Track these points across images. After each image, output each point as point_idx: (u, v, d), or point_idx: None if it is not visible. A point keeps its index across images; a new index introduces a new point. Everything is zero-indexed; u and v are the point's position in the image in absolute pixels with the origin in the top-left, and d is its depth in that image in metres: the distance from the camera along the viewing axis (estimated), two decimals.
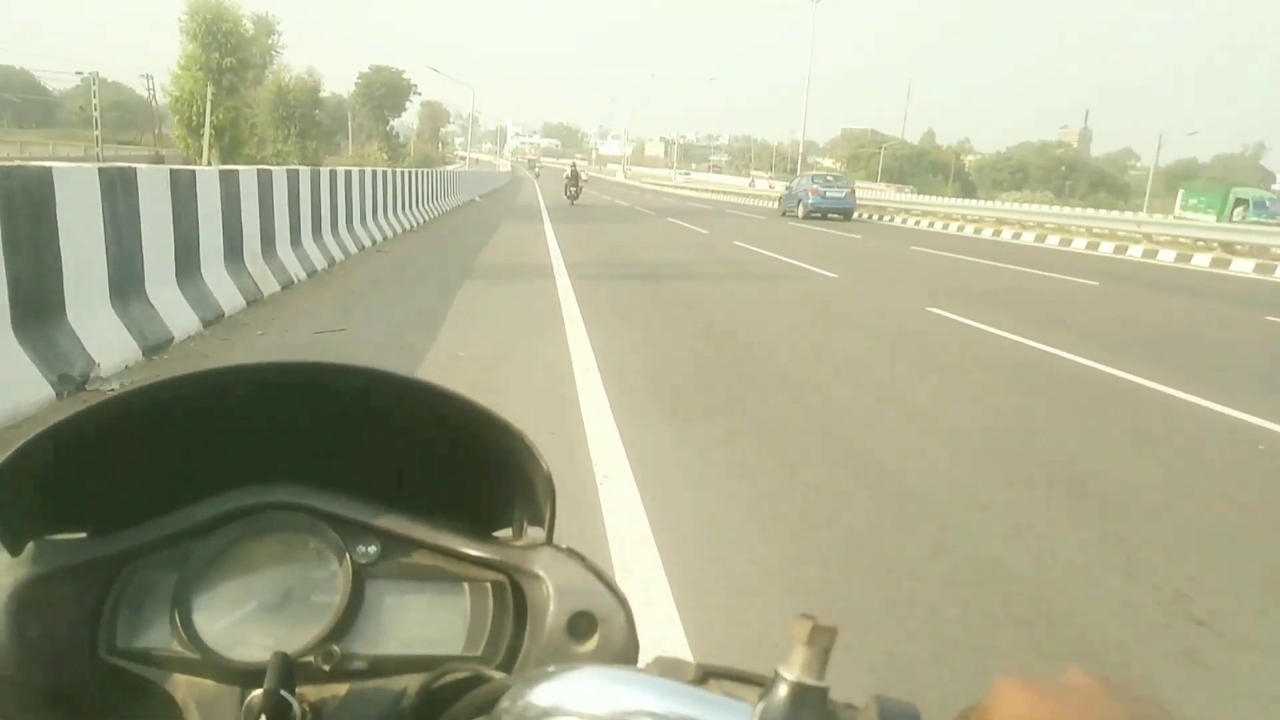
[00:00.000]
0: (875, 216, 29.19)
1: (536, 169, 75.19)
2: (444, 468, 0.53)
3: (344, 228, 9.79)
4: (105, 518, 0.50)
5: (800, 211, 25.46)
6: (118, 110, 65.34)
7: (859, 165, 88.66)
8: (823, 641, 0.30)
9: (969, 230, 23.79)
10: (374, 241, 10.95)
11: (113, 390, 1.12)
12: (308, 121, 48.04)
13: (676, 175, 74.59)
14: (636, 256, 12.23)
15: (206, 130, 26.10)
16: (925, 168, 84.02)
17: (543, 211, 22.30)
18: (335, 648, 0.47)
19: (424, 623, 0.50)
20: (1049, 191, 78.31)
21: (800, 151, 53.77)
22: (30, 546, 0.48)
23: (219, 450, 0.52)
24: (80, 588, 0.49)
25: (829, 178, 27.03)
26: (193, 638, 0.47)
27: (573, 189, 27.02)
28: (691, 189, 56.70)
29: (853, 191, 26.54)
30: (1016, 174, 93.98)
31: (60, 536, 0.49)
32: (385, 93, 63.89)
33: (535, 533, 0.51)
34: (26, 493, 0.46)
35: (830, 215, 25.43)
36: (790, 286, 9.32)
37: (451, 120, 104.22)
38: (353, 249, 9.76)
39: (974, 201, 34.04)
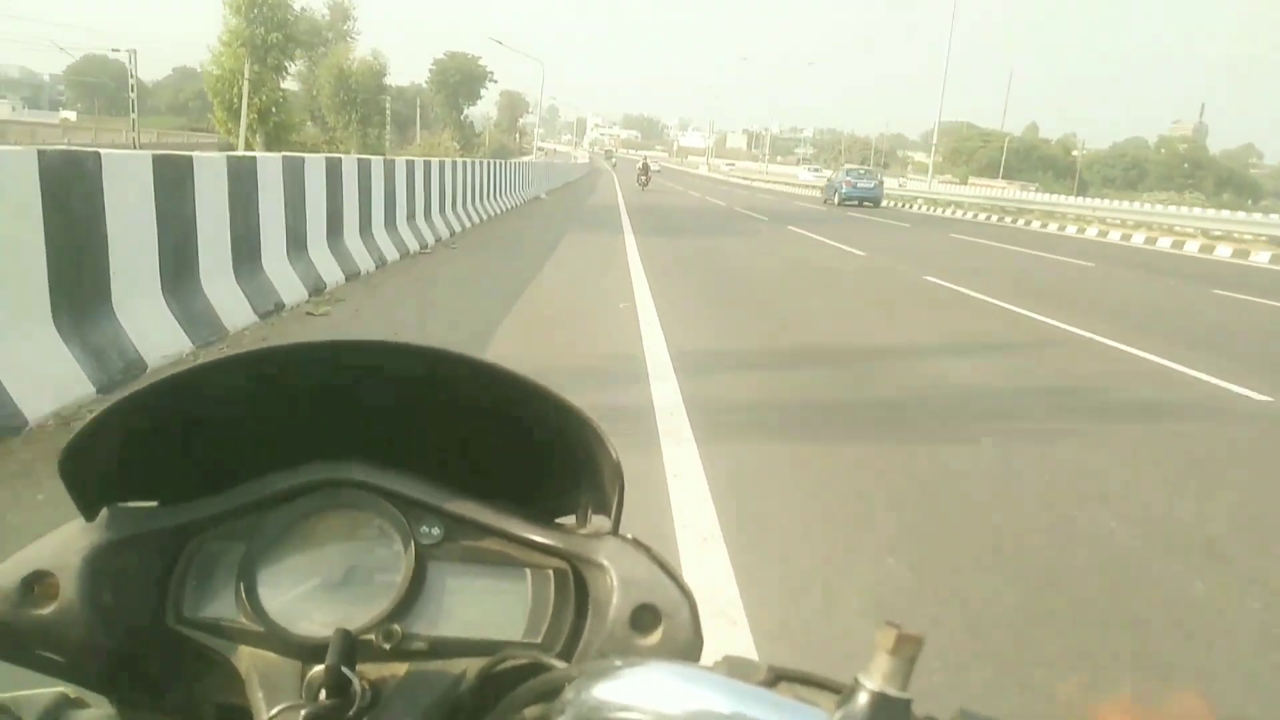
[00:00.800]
0: (993, 218, 27.27)
1: (613, 160, 74.87)
2: (510, 452, 0.53)
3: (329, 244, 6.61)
4: (176, 488, 0.52)
5: (836, 200, 29.94)
6: (201, 98, 64.04)
7: (959, 160, 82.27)
8: (908, 651, 0.30)
9: (1113, 236, 21.30)
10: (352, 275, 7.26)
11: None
12: (371, 107, 44.91)
13: (768, 168, 69.37)
14: (793, 313, 7.09)
15: (244, 113, 23.29)
16: (1034, 163, 76.73)
17: (623, 215, 17.73)
18: (396, 627, 0.48)
19: (485, 607, 0.50)
20: (1171, 190, 70.50)
21: (871, 146, 49.43)
22: (104, 513, 0.49)
23: (288, 425, 0.52)
24: (150, 556, 0.50)
25: (861, 170, 32.48)
26: (257, 610, 0.48)
27: (643, 177, 33.52)
28: (779, 183, 52.87)
29: (881, 183, 31.16)
30: (1130, 170, 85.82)
31: (132, 504, 0.51)
32: (460, 80, 60.61)
33: (599, 521, 0.51)
34: (103, 460, 0.48)
35: (864, 203, 29.62)
36: None
37: (530, 110, 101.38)
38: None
39: (1124, 204, 28.97)
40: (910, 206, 33.31)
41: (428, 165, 10.08)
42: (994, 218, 27.13)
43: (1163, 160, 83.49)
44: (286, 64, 25.71)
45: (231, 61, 24.04)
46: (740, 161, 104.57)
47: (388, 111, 45.98)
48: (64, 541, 0.48)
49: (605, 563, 0.48)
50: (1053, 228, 23.52)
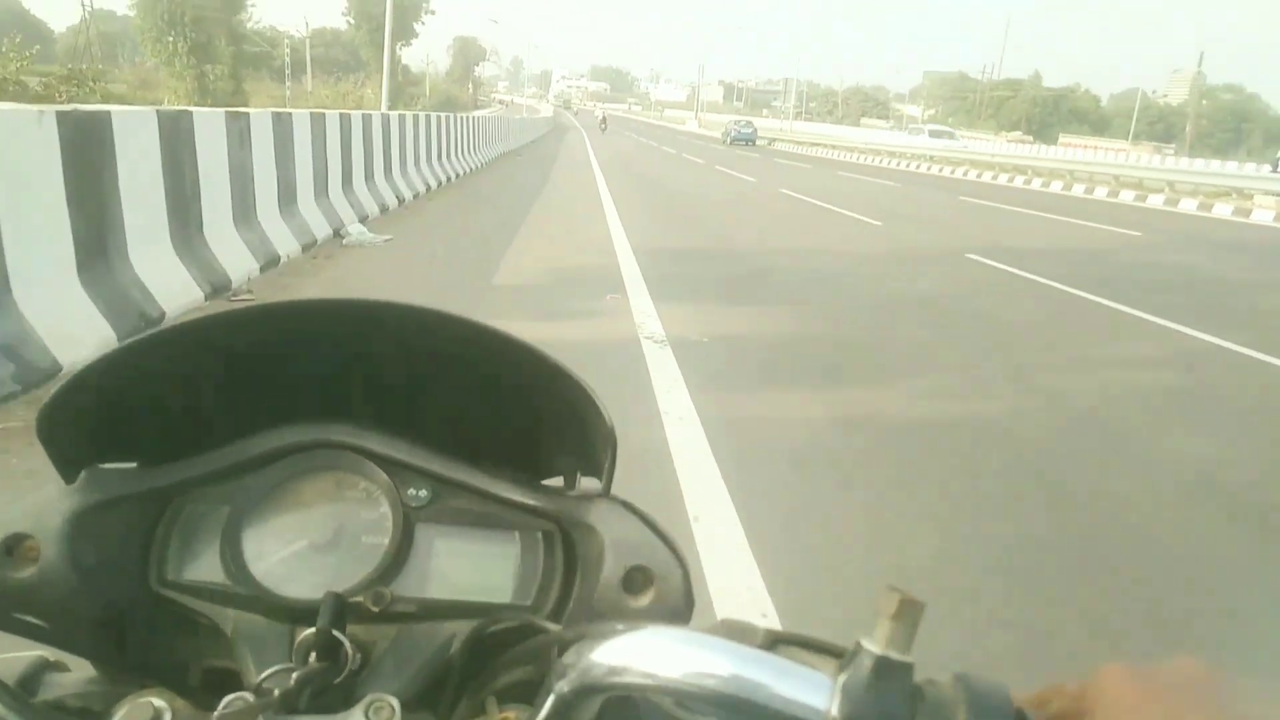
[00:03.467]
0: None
1: (574, 110, 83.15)
2: (498, 413, 0.54)
3: None
4: (158, 449, 0.53)
5: (728, 141, 45.65)
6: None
7: (959, 111, 77.22)
8: (911, 615, 0.31)
9: None
10: None
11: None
12: (211, 33, 34.36)
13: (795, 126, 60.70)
14: None
15: None
16: (1065, 116, 71.65)
17: (614, 230, 9.71)
18: (385, 590, 0.49)
19: (473, 569, 0.52)
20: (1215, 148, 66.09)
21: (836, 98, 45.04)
22: (84, 475, 0.51)
23: (272, 385, 0.54)
24: (133, 518, 0.51)
25: (741, 121, 50.87)
26: (242, 572, 0.50)
27: (603, 125, 51.57)
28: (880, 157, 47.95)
29: (753, 127, 48.95)
30: (1156, 124, 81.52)
31: (113, 465, 0.52)
32: (383, 10, 50.32)
33: (588, 483, 0.53)
34: (82, 421, 0.50)
35: (748, 143, 45.02)
36: None
37: (489, 57, 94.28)
38: None
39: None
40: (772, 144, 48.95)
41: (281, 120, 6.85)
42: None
43: (1207, 114, 78.61)
44: None
45: None
46: (733, 117, 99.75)
47: (304, 55, 39.50)
48: (43, 504, 0.49)
49: (595, 525, 0.51)
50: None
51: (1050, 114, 71.49)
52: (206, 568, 0.51)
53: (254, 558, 0.50)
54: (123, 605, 0.50)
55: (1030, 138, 53.01)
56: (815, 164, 31.86)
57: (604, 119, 55.02)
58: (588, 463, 0.53)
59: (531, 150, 27.97)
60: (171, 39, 33.50)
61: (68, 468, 0.50)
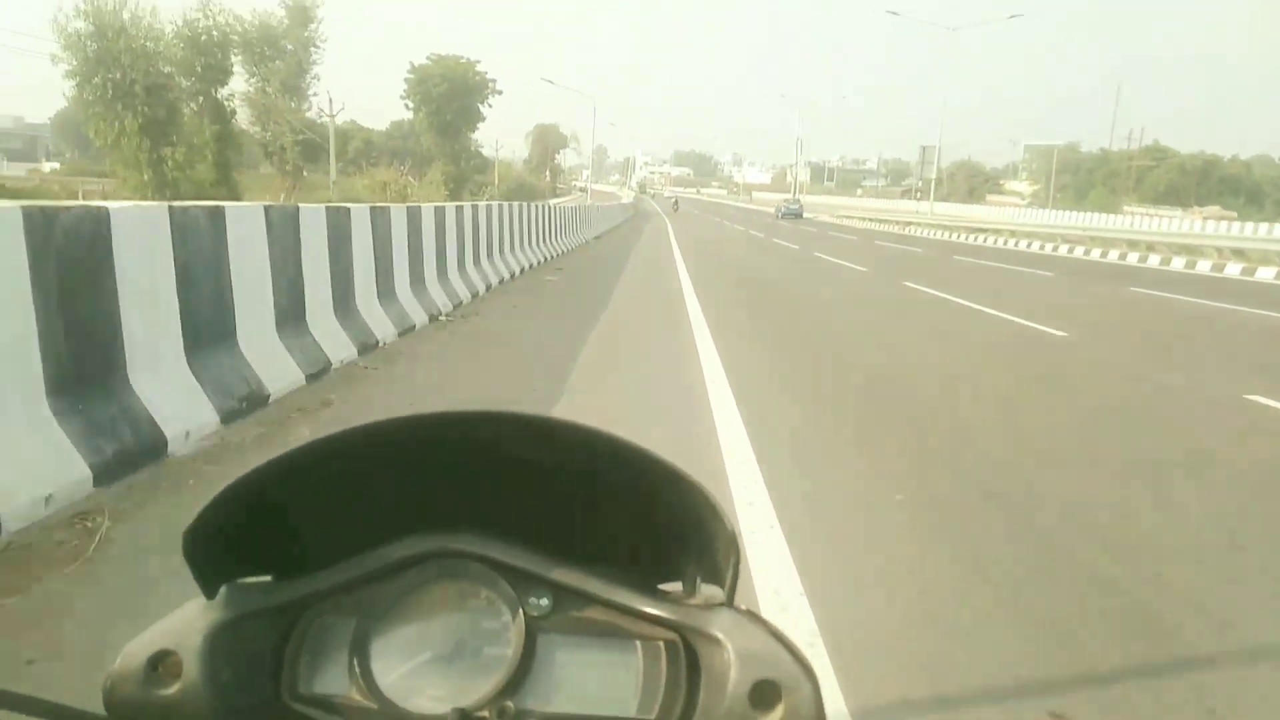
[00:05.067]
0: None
1: (650, 192, 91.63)
2: (614, 518, 0.56)
3: None
4: (290, 561, 0.56)
5: (780, 215, 56.83)
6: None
7: (1070, 187, 72.61)
8: None
9: None
10: None
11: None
12: (164, 100, 27.60)
13: (933, 207, 50.64)
14: None
15: None
16: (1216, 186, 65.79)
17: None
18: (509, 703, 0.51)
19: (596, 681, 0.52)
20: None
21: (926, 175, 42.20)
22: (223, 590, 0.54)
23: (396, 496, 0.57)
24: (265, 632, 0.54)
25: (789, 199, 63.58)
26: (370, 686, 0.52)
27: (676, 206, 64.70)
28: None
29: (801, 205, 61.36)
30: None
31: (249, 580, 0.56)
32: (446, 91, 46.19)
33: (710, 591, 0.53)
34: (222, 537, 0.53)
35: (796, 217, 56.06)
36: None
37: (569, 145, 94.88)
38: None
39: None
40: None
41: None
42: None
43: None
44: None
45: None
46: (835, 199, 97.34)
47: (341, 142, 37.40)
48: (185, 620, 0.53)
49: (720, 635, 0.50)
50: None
51: (1201, 184, 65.78)
52: (335, 681, 0.54)
53: (381, 670, 0.53)
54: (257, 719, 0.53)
55: (1234, 213, 47.04)
56: (926, 246, 29.02)
57: (676, 201, 69.57)
58: (707, 568, 0.53)
59: (612, 237, 26.19)
60: (120, 112, 27.59)
61: (208, 584, 0.53)
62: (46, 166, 70.41)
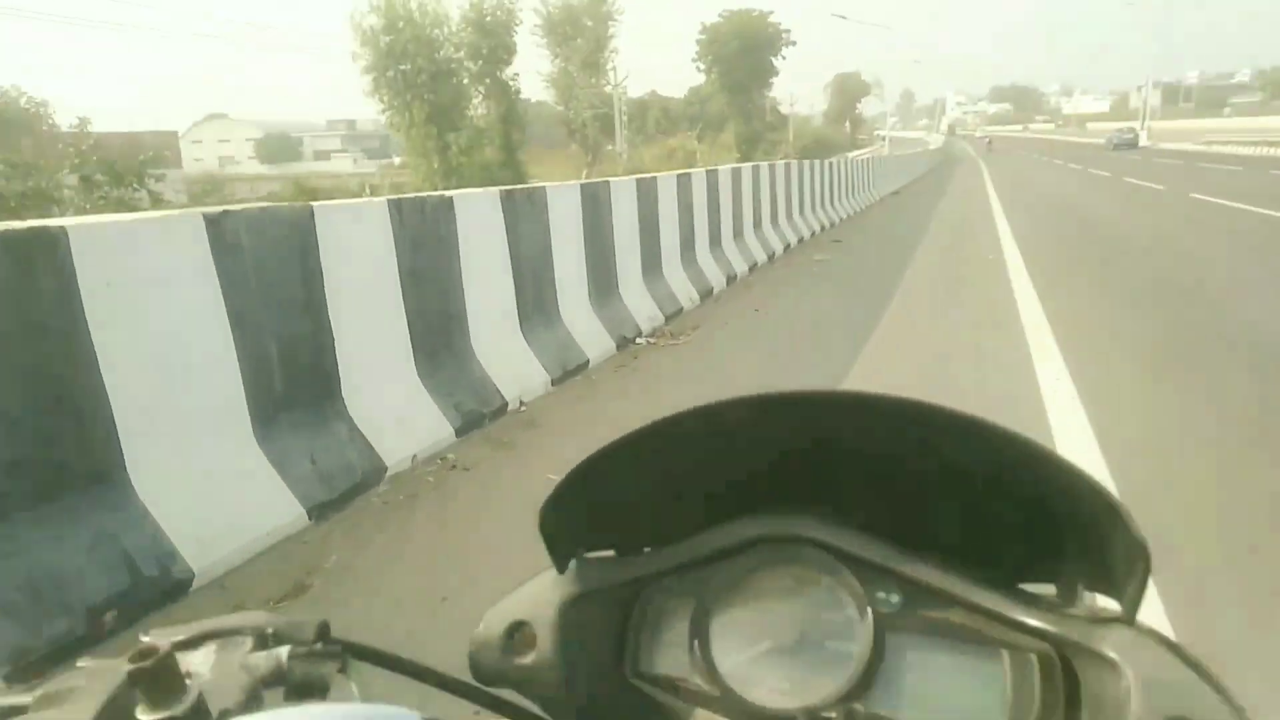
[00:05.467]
0: None
1: (962, 133, 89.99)
2: (976, 510, 0.51)
3: None
4: (630, 539, 0.57)
5: (1111, 147, 53.97)
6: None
7: None
8: None
9: None
10: None
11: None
12: (450, 97, 27.30)
13: None
14: None
15: None
16: None
17: None
18: (858, 706, 0.48)
19: (955, 691, 0.49)
20: None
21: None
22: (573, 565, 0.56)
23: (734, 476, 0.56)
24: (609, 608, 0.56)
25: (1121, 129, 60.68)
26: (711, 671, 0.52)
27: (989, 146, 63.98)
28: None
29: (1136, 134, 58.66)
30: None
31: (593, 555, 0.57)
32: (739, 48, 44.88)
33: (1101, 603, 0.47)
34: (575, 513, 0.54)
35: (1131, 147, 53.28)
36: None
37: (872, 92, 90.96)
38: None
39: None
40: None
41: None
42: None
43: None
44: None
45: None
46: (1219, 122, 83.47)
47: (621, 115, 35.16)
48: (538, 592, 0.55)
49: (1114, 656, 0.44)
50: None
51: None
52: (675, 661, 0.54)
53: (721, 654, 0.52)
54: (600, 694, 0.54)
55: None
56: None
57: (990, 141, 68.89)
58: (1093, 574, 0.48)
59: (912, 191, 24.51)
60: (410, 102, 28.04)
61: (561, 558, 0.55)
62: (397, 161, 79.59)
